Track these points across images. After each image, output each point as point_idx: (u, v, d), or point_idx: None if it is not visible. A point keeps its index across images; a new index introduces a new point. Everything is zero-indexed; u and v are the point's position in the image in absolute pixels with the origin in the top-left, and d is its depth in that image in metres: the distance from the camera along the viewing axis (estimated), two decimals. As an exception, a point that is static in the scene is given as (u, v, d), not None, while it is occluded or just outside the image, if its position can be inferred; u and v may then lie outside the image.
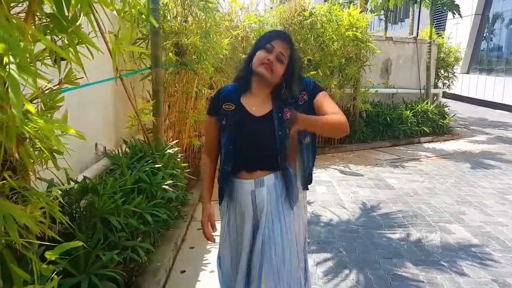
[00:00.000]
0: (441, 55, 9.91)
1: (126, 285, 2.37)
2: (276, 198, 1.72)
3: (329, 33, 6.37)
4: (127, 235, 2.46)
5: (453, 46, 10.40)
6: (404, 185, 5.23)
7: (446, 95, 17.82)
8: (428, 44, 8.87)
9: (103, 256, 2.15)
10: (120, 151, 3.62)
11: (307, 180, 1.83)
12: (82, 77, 1.56)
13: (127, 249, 2.41)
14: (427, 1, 9.98)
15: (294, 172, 1.76)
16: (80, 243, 1.37)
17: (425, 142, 8.08)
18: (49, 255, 1.26)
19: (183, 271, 2.90)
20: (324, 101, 1.70)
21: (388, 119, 7.66)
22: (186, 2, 4.49)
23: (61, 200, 1.84)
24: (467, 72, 17.71)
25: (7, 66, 0.91)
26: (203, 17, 4.49)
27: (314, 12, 6.28)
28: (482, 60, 17.56)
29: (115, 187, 2.67)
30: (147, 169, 3.15)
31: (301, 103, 1.69)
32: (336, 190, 5.00)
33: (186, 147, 5.14)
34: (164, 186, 3.16)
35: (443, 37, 10.31)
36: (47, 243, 1.36)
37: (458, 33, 17.89)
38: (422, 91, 8.94)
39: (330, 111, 1.66)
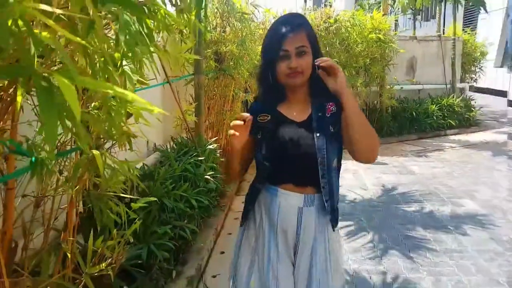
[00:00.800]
0: (467, 50, 10.18)
1: (175, 260, 2.94)
2: (323, 223, 1.51)
3: (353, 37, 6.95)
4: (176, 216, 3.12)
5: (479, 41, 10.62)
6: (426, 170, 5.72)
7: (479, 89, 17.79)
8: (452, 41, 9.22)
9: (159, 230, 2.83)
10: (168, 146, 4.37)
11: (335, 214, 1.53)
12: (154, 78, 2.25)
13: (176, 227, 3.05)
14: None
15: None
16: (154, 198, 2.05)
17: (451, 135, 8.43)
18: (134, 206, 1.96)
19: (222, 252, 3.47)
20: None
21: (414, 113, 8.10)
22: (225, 14, 5.23)
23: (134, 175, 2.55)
24: (501, 66, 17.53)
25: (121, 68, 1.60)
26: (240, 27, 5.21)
27: (339, 19, 6.89)
28: (516, 53, 17.35)
29: (166, 175, 3.35)
30: (191, 161, 3.83)
31: (328, 115, 1.46)
32: (362, 176, 5.56)
33: (224, 145, 5.85)
34: (206, 177, 3.85)
35: (468, 33, 10.57)
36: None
37: (491, 27, 17.80)
38: (448, 86, 9.27)
39: None
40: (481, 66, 10.88)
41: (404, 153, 6.96)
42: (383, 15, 7.59)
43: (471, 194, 4.63)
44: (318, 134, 1.43)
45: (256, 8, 5.46)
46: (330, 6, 8.96)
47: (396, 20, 16.43)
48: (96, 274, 1.41)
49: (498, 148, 7.13)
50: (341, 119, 1.46)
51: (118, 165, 1.43)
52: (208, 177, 3.74)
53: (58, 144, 1.40)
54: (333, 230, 1.53)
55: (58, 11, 0.63)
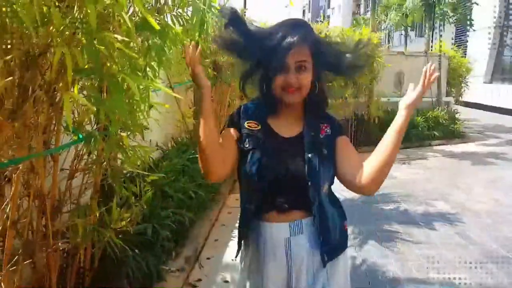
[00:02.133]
0: (453, 66, 10.72)
1: (174, 242, 3.37)
2: (315, 250, 1.35)
3: (343, 50, 7.43)
4: (175, 205, 3.52)
5: (465, 58, 11.18)
6: (406, 176, 6.14)
7: (468, 104, 18.36)
8: (438, 57, 9.74)
9: (162, 213, 3.24)
10: (169, 145, 4.79)
11: (332, 244, 1.39)
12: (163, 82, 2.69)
13: (176, 214, 3.46)
14: (445, 17, 10.89)
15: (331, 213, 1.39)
16: (162, 174, 2.46)
17: (435, 145, 8.89)
18: (149, 178, 2.37)
19: (216, 240, 3.85)
20: (349, 145, 1.41)
21: (400, 124, 8.56)
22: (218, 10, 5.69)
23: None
24: (491, 82, 18.19)
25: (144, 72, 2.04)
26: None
27: (329, 34, 7.37)
28: (504, 69, 18.00)
29: (167, 168, 3.77)
30: (190, 158, 4.26)
31: (322, 136, 1.37)
32: (347, 180, 5.98)
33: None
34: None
35: (454, 50, 11.13)
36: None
37: (481, 43, 18.48)
38: (434, 99, 9.77)
39: (357, 158, 1.37)
40: (467, 81, 11.37)
41: (389, 160, 7.38)
42: (372, 31, 8.08)
43: (445, 197, 5.06)
44: (310, 155, 1.30)
45: (252, 23, 5.91)
46: (328, 19, 9.47)
47: (389, 36, 17.09)
48: (119, 228, 1.80)
49: (478, 158, 7.58)
50: (334, 144, 1.36)
51: (138, 147, 1.84)
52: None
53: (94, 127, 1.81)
54: (323, 266, 1.34)
55: (125, 38, 1.06)
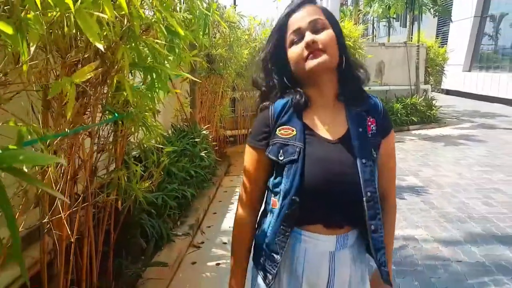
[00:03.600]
0: (431, 55, 11.36)
1: (179, 213, 3.95)
2: (360, 268, 1.19)
3: (325, 42, 7.99)
4: (178, 182, 4.06)
5: (443, 48, 11.84)
6: (384, 157, 6.76)
7: (449, 91, 19.12)
8: (417, 47, 10.35)
9: (169, 186, 3.78)
10: (170, 131, 5.30)
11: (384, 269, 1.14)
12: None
13: (179, 190, 3.99)
14: (425, 7, 11.49)
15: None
16: (171, 148, 2.99)
17: (413, 130, 9.54)
18: (166, 149, 2.90)
19: (214, 213, 4.41)
20: (391, 152, 1.20)
21: (380, 110, 9.18)
22: (215, 23, 6.18)
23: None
24: (469, 70, 18.94)
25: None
26: (228, 34, 6.15)
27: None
28: (482, 58, 18.76)
29: (170, 150, 4.27)
30: (189, 142, 4.79)
31: (369, 134, 1.12)
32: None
33: (214, 135, 6.80)
34: (201, 155, 4.80)
35: (435, 41, 11.76)
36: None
37: (461, 33, 19.21)
38: (413, 87, 10.40)
39: (393, 177, 1.24)
40: (444, 70, 12.03)
41: (369, 144, 8.01)
42: (354, 24, 8.64)
43: (416, 173, 5.68)
44: (364, 161, 1.07)
45: (242, 18, 6.42)
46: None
47: (374, 27, 17.67)
48: (143, 189, 2.33)
49: (450, 140, 8.25)
50: (379, 146, 1.14)
51: (155, 126, 2.36)
52: (203, 154, 4.69)
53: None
54: (388, 283, 1.15)
55: (159, 41, 1.58)
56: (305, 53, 1.05)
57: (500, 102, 15.25)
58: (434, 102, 10.52)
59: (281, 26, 1.11)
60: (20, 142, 0.77)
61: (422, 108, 9.84)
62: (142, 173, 2.41)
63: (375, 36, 19.94)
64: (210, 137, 5.82)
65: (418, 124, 9.70)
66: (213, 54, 5.98)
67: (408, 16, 14.28)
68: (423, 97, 10.30)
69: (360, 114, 1.13)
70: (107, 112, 2.16)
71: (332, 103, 1.14)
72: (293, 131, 1.10)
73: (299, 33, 1.07)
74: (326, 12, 1.12)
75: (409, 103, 9.74)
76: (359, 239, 1.16)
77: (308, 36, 1.04)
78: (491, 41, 18.69)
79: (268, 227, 1.16)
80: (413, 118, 9.58)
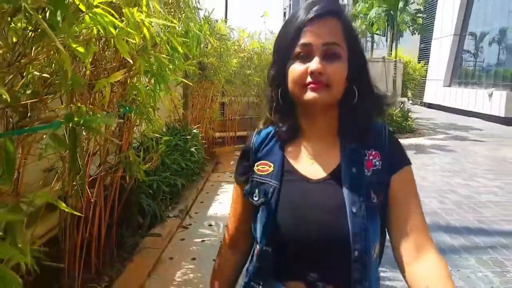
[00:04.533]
0: (408, 70, 12.13)
1: (170, 199, 4.50)
2: None
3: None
4: (171, 172, 4.62)
5: (418, 64, 12.62)
6: (358, 161, 7.40)
7: (431, 105, 19.97)
8: (394, 63, 11.11)
9: (162, 173, 4.34)
10: (164, 129, 5.87)
11: None
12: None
13: (171, 179, 4.55)
14: (404, 25, 12.29)
15: None
16: (168, 137, 3.57)
17: (389, 139, 10.22)
18: (164, 138, 3.47)
19: (202, 202, 4.98)
20: (410, 192, 0.91)
21: (358, 120, 9.87)
22: (208, 34, 6.79)
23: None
24: (449, 85, 19.86)
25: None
26: (218, 44, 6.76)
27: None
28: (461, 74, 19.70)
29: (164, 143, 4.84)
30: (181, 138, 5.36)
31: (368, 172, 0.89)
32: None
33: (204, 135, 7.37)
34: (191, 150, 5.37)
35: (412, 57, 12.54)
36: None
37: (442, 50, 20.16)
38: (390, 99, 11.12)
39: (420, 222, 0.88)
40: (421, 84, 12.82)
41: (347, 150, 8.66)
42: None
43: (383, 175, 6.32)
44: (354, 209, 0.85)
45: (231, 31, 7.05)
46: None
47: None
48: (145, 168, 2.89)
49: (422, 149, 8.94)
50: (389, 184, 0.89)
51: (156, 120, 2.94)
52: (193, 150, 5.27)
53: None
54: None
55: (164, 56, 2.17)
56: (307, 79, 0.85)
57: (477, 117, 16.10)
58: (410, 114, 11.25)
59: (297, 32, 0.86)
60: (80, 116, 1.35)
61: (398, 119, 10.55)
62: (144, 157, 2.98)
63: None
64: (200, 136, 6.39)
65: (394, 134, 10.38)
66: (205, 62, 6.57)
67: (389, 33, 15.13)
68: (399, 108, 11.02)
69: (356, 150, 0.89)
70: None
71: (325, 137, 0.93)
72: (270, 167, 0.93)
73: (308, 51, 0.85)
74: (348, 33, 0.88)
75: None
76: None
77: (316, 64, 0.83)
78: (470, 58, 19.65)
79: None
80: (389, 128, 10.26)
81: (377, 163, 0.90)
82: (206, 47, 6.77)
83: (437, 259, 0.84)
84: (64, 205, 1.21)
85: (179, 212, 4.19)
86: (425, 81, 18.37)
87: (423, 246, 0.86)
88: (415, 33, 13.14)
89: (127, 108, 2.68)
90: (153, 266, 3.03)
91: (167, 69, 2.53)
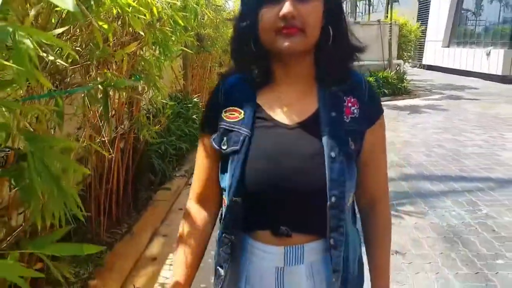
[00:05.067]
0: (404, 33, 12.29)
1: (176, 161, 4.91)
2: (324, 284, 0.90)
3: (304, 21, 8.89)
4: (176, 137, 5.01)
5: (414, 25, 12.76)
6: (353, 123, 7.76)
7: (430, 67, 20.08)
8: (389, 25, 11.27)
9: (169, 138, 4.75)
10: (167, 98, 6.24)
11: (360, 273, 0.99)
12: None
13: (176, 143, 4.95)
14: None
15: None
16: (173, 103, 3.96)
17: (385, 101, 10.52)
18: (168, 105, 3.86)
19: None
20: (381, 146, 0.96)
21: (355, 83, 10.17)
22: (204, 6, 7.04)
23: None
24: (448, 46, 19.91)
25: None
26: (214, 15, 7.01)
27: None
28: (460, 34, 19.71)
29: (169, 110, 5.24)
30: (183, 106, 5.73)
31: (347, 118, 0.87)
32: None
33: (204, 104, 7.71)
34: (193, 117, 5.75)
35: (407, 19, 12.67)
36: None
37: (440, 11, 20.09)
38: (386, 62, 11.36)
39: (382, 178, 0.99)
40: (417, 46, 12.99)
41: (343, 113, 9.02)
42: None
43: (376, 134, 6.71)
44: (333, 153, 0.82)
45: (226, 1, 7.28)
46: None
47: (356, 6, 18.42)
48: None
49: (415, 109, 9.28)
50: (363, 135, 0.88)
51: (162, 88, 3.30)
52: (195, 117, 5.66)
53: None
54: None
55: (167, 28, 2.52)
56: (279, 24, 0.78)
57: (476, 77, 16.28)
58: (405, 75, 11.50)
59: None
60: (106, 79, 1.72)
61: (393, 81, 10.83)
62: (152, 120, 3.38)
63: (355, 15, 20.71)
64: (200, 104, 6.75)
65: (389, 96, 10.70)
66: (202, 34, 6.85)
67: (386, -5, 15.14)
68: (395, 71, 11.27)
69: (335, 94, 0.87)
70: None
71: (302, 82, 0.89)
72: (240, 113, 0.88)
73: None
74: None
75: (381, 76, 10.72)
76: (323, 258, 0.89)
77: (288, 6, 0.77)
78: (469, 18, 19.61)
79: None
80: (384, 90, 10.57)
81: (355, 111, 0.88)
82: (203, 19, 7.03)
83: (383, 218, 1.00)
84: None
85: (184, 172, 4.62)
86: (421, 43, 18.45)
87: (376, 201, 0.99)
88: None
89: (137, 76, 3.05)
90: (165, 215, 3.48)
91: (170, 41, 2.89)
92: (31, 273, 0.86)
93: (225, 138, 0.89)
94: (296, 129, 0.87)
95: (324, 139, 0.84)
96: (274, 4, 0.79)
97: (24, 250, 0.88)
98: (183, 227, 0.99)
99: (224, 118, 0.90)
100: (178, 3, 2.94)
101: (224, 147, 0.89)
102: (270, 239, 0.88)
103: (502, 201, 3.85)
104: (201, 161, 1.00)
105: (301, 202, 0.86)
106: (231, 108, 0.91)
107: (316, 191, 0.83)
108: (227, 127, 0.90)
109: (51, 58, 1.14)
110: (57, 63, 1.34)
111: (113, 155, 2.79)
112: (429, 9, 21.45)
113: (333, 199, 0.83)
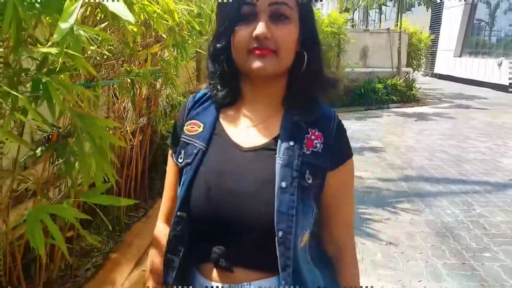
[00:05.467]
0: (413, 41, 12.49)
1: None
2: None
3: (314, 28, 9.17)
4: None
5: (424, 34, 12.96)
6: (357, 128, 7.98)
7: (442, 76, 20.16)
8: (399, 34, 11.47)
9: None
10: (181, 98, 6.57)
11: None
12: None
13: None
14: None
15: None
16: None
17: (393, 108, 10.73)
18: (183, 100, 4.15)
19: None
20: (345, 191, 0.90)
21: (363, 90, 10.38)
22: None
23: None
24: (460, 55, 19.99)
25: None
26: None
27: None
28: (472, 44, 19.79)
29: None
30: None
31: (307, 150, 0.82)
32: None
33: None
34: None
35: (417, 28, 12.88)
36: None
37: (452, 20, 20.20)
38: (394, 69, 11.55)
39: (345, 222, 0.92)
40: (427, 55, 13.17)
41: (349, 118, 9.21)
42: (340, 12, 9.78)
43: (381, 139, 6.93)
44: (284, 184, 0.77)
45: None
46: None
47: (368, 14, 18.69)
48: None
49: (423, 116, 9.46)
50: (325, 176, 0.83)
51: (179, 85, 3.59)
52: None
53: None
54: None
55: (186, 33, 2.81)
56: (252, 44, 0.77)
57: (486, 87, 16.34)
58: (414, 83, 11.67)
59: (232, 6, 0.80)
60: (130, 73, 1.99)
61: (402, 88, 11.01)
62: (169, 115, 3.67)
63: (369, 22, 20.93)
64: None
65: (398, 103, 10.89)
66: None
67: (395, 4, 15.34)
68: (404, 78, 11.46)
69: (298, 124, 0.83)
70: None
71: (268, 105, 0.87)
72: (200, 127, 0.88)
73: (253, 11, 0.78)
74: None
75: (390, 83, 10.91)
76: None
77: (262, 27, 0.76)
78: (481, 28, 19.69)
79: None
80: (393, 97, 10.76)
81: (318, 145, 0.83)
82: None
83: (349, 266, 0.91)
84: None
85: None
86: (433, 52, 18.59)
87: (342, 249, 0.91)
88: (420, 5, 13.37)
89: (158, 74, 3.34)
90: (178, 205, 3.76)
91: (187, 43, 3.18)
92: (82, 215, 1.13)
93: (182, 151, 0.87)
94: (251, 152, 0.83)
95: (277, 168, 0.79)
96: (248, 24, 0.78)
97: (76, 199, 1.15)
98: (152, 253, 0.97)
99: (185, 131, 0.89)
100: (195, 10, 3.24)
101: (180, 161, 0.87)
102: (212, 273, 0.82)
103: (497, 203, 4.04)
104: (167, 177, 0.99)
105: (247, 232, 0.79)
106: (192, 121, 0.90)
107: (263, 221, 0.77)
108: (185, 140, 0.88)
109: (93, 49, 1.42)
110: (96, 58, 1.62)
111: (134, 144, 3.08)
112: (441, 18, 21.57)
113: (280, 233, 0.76)
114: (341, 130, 0.88)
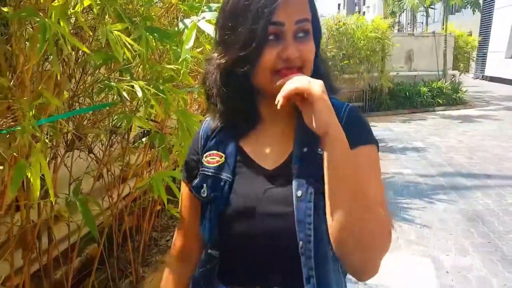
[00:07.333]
0: (460, 44, 12.52)
1: None
2: None
3: (358, 35, 9.56)
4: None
5: (470, 37, 12.92)
6: (401, 129, 8.29)
7: (493, 78, 19.65)
8: (444, 37, 11.58)
9: None
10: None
11: None
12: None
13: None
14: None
15: None
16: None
17: (438, 111, 10.84)
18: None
19: None
20: (368, 166, 0.79)
21: (408, 93, 10.61)
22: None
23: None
24: (511, 57, 19.35)
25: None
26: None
27: (346, 22, 9.52)
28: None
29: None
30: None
31: (320, 150, 0.75)
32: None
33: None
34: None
35: (464, 31, 12.87)
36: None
37: (503, 21, 19.63)
38: (440, 72, 11.65)
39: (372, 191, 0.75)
40: (477, 57, 13.09)
41: (393, 120, 9.52)
42: (385, 17, 10.12)
43: (423, 140, 7.23)
44: (299, 193, 0.76)
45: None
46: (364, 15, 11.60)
47: (414, 17, 18.65)
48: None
49: (468, 118, 9.55)
50: None
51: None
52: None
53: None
54: None
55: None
56: (279, 65, 0.75)
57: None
58: (460, 86, 11.70)
59: (264, 8, 0.72)
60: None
61: (448, 91, 11.10)
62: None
63: (417, 24, 20.79)
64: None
65: (444, 106, 10.99)
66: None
67: (442, 7, 15.30)
68: (450, 81, 11.52)
69: (308, 128, 0.73)
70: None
71: (282, 122, 0.85)
72: (221, 157, 0.84)
73: (279, 31, 0.74)
74: (311, 2, 0.79)
75: (435, 86, 11.04)
76: None
77: (293, 49, 0.74)
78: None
79: None
80: (438, 100, 10.89)
81: None
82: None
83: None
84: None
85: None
86: (483, 54, 18.21)
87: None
88: (466, 7, 13.31)
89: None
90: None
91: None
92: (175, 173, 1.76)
93: (204, 185, 0.84)
94: (274, 172, 0.81)
95: (294, 178, 0.77)
96: (275, 44, 0.74)
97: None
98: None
99: (205, 163, 0.85)
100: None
101: (203, 195, 0.84)
102: None
103: (531, 196, 4.33)
104: (182, 211, 0.95)
105: (276, 251, 0.78)
106: (212, 152, 0.86)
107: (287, 236, 0.76)
108: (207, 173, 0.84)
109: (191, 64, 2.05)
110: (193, 71, 2.26)
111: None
112: (492, 19, 21.00)
113: (300, 243, 0.74)
114: (353, 116, 0.84)
